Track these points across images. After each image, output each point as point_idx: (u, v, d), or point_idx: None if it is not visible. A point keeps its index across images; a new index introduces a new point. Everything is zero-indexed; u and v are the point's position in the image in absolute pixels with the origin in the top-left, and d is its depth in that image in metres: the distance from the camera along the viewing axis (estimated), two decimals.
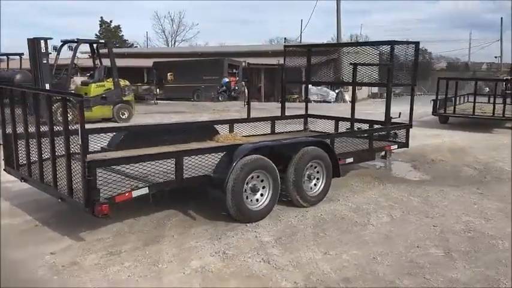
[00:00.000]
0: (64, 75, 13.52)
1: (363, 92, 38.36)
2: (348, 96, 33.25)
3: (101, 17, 66.46)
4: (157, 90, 28.88)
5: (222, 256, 4.18)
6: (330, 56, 8.68)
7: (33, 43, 12.26)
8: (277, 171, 5.28)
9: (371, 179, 7.28)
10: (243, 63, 29.84)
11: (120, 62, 38.02)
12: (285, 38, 54.53)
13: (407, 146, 7.80)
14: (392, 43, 7.11)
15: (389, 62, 7.12)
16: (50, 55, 12.55)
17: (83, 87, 13.78)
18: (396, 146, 7.55)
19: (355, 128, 8.13)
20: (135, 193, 4.31)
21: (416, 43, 7.39)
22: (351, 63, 7.62)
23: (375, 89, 41.55)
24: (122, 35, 69.03)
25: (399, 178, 7.51)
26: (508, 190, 6.72)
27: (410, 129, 7.74)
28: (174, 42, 71.69)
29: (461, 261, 4.19)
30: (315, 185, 5.85)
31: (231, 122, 7.74)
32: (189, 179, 4.78)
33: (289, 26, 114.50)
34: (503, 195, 6.45)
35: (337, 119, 8.65)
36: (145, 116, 16.69)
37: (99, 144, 6.31)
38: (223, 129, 7.63)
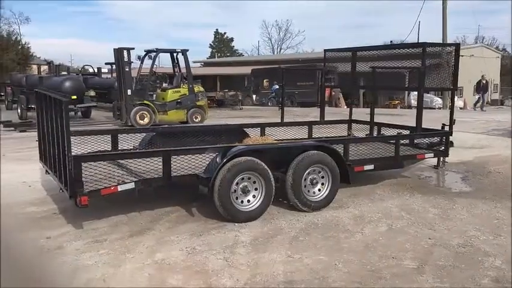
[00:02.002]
0: (146, 82, 14.73)
1: (475, 98, 35.76)
2: (461, 102, 31.36)
3: (216, 29, 70.77)
4: (254, 96, 29.97)
5: (189, 251, 4.40)
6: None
7: (118, 53, 13.58)
8: (270, 174, 5.36)
9: (403, 188, 6.95)
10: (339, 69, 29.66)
11: (226, 70, 40.28)
12: (401, 41, 52.61)
13: (447, 155, 7.30)
14: (424, 45, 6.74)
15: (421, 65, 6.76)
16: (132, 64, 13.76)
17: (162, 93, 14.90)
18: (432, 155, 7.12)
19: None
20: (121, 187, 4.73)
21: (457, 45, 6.92)
22: (371, 67, 7.36)
23: (495, 95, 38.45)
24: (233, 46, 72.64)
25: (435, 189, 7.06)
26: None
27: (451, 136, 7.24)
28: (280, 50, 73.17)
29: (429, 275, 3.93)
30: (319, 190, 5.80)
31: (263, 126, 7.91)
32: (177, 177, 5.09)
33: (408, 27, 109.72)
34: None
35: (380, 125, 8.39)
36: (219, 119, 17.40)
37: (131, 144, 6.92)
38: (255, 133, 7.85)
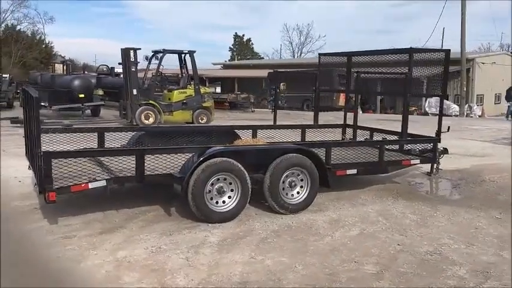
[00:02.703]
0: (152, 82, 14.93)
1: (499, 106, 35.06)
2: (479, 111, 30.84)
3: (235, 32, 71.26)
4: (273, 100, 29.86)
5: (153, 250, 4.44)
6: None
7: (124, 53, 13.80)
8: (247, 175, 5.39)
9: (388, 193, 6.90)
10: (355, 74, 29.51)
11: (245, 73, 40.40)
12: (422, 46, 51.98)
13: (434, 162, 7.22)
14: (410, 51, 6.68)
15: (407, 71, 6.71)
16: (138, 64, 13.96)
17: (168, 93, 15.08)
18: (418, 161, 7.04)
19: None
20: (92, 185, 4.82)
21: (447, 51, 6.84)
22: (357, 72, 7.32)
23: None
24: (252, 48, 72.89)
25: (422, 196, 6.98)
26: None
27: (439, 143, 7.15)
28: (300, 54, 73.04)
29: (386, 282, 3.91)
30: (298, 193, 5.81)
31: (255, 128, 7.94)
32: (151, 176, 5.16)
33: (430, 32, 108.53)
34: None
35: (372, 130, 8.34)
36: (226, 121, 17.49)
37: (119, 143, 7.04)
38: (246, 135, 7.89)
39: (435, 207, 6.27)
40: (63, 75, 18.75)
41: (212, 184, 5.25)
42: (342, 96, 29.55)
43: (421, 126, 11.89)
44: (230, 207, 5.35)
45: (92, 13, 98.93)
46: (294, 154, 5.72)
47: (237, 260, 4.27)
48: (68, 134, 6.54)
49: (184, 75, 15.16)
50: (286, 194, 5.73)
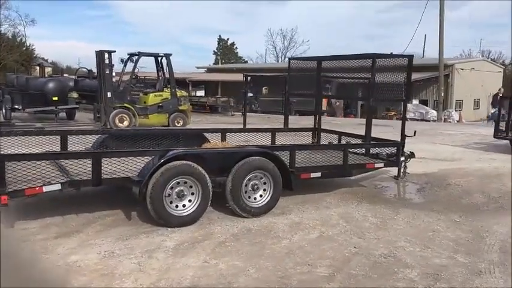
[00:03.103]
0: (127, 85, 14.82)
1: (478, 111, 35.62)
2: (456, 116, 31.27)
3: (219, 35, 71.35)
4: (255, 103, 29.88)
5: (106, 255, 4.38)
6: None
7: (99, 55, 13.67)
8: (207, 178, 5.38)
9: (354, 197, 6.95)
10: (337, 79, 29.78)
11: (228, 77, 40.40)
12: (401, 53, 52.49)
13: (397, 165, 7.30)
14: (373, 56, 6.75)
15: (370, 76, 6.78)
16: (113, 67, 13.83)
17: (143, 96, 14.99)
18: (382, 165, 7.11)
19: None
20: (47, 188, 4.75)
21: (410, 56, 6.94)
22: (327, 76, 7.39)
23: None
24: (237, 52, 72.94)
25: (386, 199, 7.05)
26: (493, 221, 5.97)
27: (402, 147, 7.23)
28: (284, 58, 73.22)
29: (336, 284, 3.94)
30: (261, 196, 5.82)
31: (224, 131, 7.94)
32: (108, 179, 5.12)
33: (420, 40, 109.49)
34: (481, 226, 5.75)
35: (341, 134, 8.40)
36: (204, 125, 17.42)
37: (83, 146, 6.96)
38: (215, 138, 7.88)
39: (397, 210, 6.33)
40: (37, 78, 18.52)
41: (172, 188, 5.23)
42: (325, 101, 29.94)
43: (395, 130, 12.01)
44: (190, 211, 5.33)
45: (78, 16, 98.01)
46: (257, 157, 5.74)
47: (190, 264, 4.25)
48: (30, 137, 6.46)
49: (160, 78, 15.09)
50: (249, 197, 5.73)
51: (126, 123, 13.72)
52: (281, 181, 5.87)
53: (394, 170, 8.20)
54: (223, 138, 7.85)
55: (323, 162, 6.64)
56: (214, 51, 73.89)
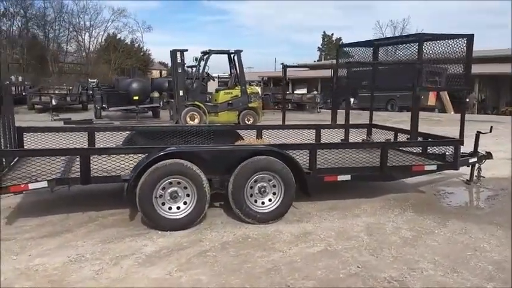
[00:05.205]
0: (198, 83, 14.83)
1: None
2: None
3: (323, 31, 69.99)
4: (352, 100, 28.36)
5: (73, 259, 4.03)
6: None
7: (172, 54, 13.85)
8: (203, 179, 4.84)
9: (400, 204, 5.93)
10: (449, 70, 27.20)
11: (329, 73, 39.38)
12: None
13: (455, 168, 6.06)
14: (420, 38, 5.63)
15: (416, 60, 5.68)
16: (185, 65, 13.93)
17: (214, 94, 14.90)
18: (435, 167, 5.94)
19: None
20: (32, 185, 4.59)
21: (469, 36, 5.70)
22: (369, 62, 6.35)
23: None
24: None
25: (439, 208, 5.90)
26: None
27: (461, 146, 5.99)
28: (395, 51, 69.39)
29: None
30: (270, 200, 5.13)
31: (260, 128, 7.35)
32: (97, 177, 4.84)
33: None
34: None
35: (398, 131, 7.31)
36: (277, 122, 16.80)
37: (114, 143, 6.84)
38: (252, 135, 7.33)
39: (444, 222, 5.23)
40: (125, 79, 19.49)
41: (164, 188, 4.79)
42: (433, 95, 27.48)
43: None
44: (184, 214, 4.85)
45: (195, 21, 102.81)
46: (263, 157, 5.06)
47: (149, 276, 3.76)
48: (57, 134, 6.50)
49: (232, 75, 14.88)
50: (255, 201, 5.09)
51: (196, 120, 13.72)
52: (294, 184, 5.13)
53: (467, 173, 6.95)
54: (259, 135, 7.26)
55: (355, 163, 5.73)
56: (318, 47, 72.78)
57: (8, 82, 5.78)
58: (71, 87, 21.98)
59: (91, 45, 49.21)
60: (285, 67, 11.60)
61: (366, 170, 5.70)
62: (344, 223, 5.17)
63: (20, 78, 23.44)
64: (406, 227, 5.08)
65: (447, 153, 6.25)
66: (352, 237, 4.72)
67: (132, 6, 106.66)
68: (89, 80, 26.52)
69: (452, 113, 26.97)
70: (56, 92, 20.98)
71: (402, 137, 7.18)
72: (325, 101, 23.87)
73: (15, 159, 5.65)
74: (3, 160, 5.22)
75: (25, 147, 6.16)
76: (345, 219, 5.33)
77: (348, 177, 5.54)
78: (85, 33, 47.95)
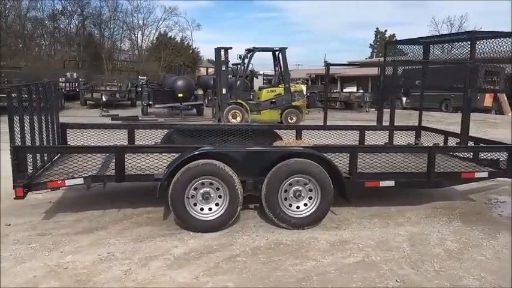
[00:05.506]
0: (242, 81, 14.73)
1: None
2: None
3: (376, 28, 68.39)
4: (404, 99, 27.41)
5: (104, 258, 4.00)
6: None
7: (216, 52, 13.83)
8: (236, 180, 4.70)
9: (446, 213, 5.57)
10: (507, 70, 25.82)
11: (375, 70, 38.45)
12: None
13: (510, 176, 5.59)
14: (472, 36, 5.22)
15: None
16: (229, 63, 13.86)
17: (257, 92, 14.75)
18: (486, 174, 5.50)
19: None
20: (69, 182, 4.62)
21: None
22: (417, 61, 5.95)
23: None
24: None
25: (489, 219, 5.48)
26: None
27: None
28: (451, 48, 66.64)
29: None
30: (306, 205, 4.92)
31: (299, 128, 7.13)
32: (131, 176, 4.80)
33: None
34: None
35: (448, 134, 6.88)
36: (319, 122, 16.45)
37: (153, 140, 6.83)
38: (290, 136, 7.12)
39: (494, 234, 4.84)
40: (171, 76, 19.71)
41: (196, 189, 4.69)
42: (489, 96, 26.10)
43: None
44: (215, 216, 4.73)
45: (244, 19, 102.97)
46: (299, 159, 4.86)
47: (176, 279, 3.66)
48: (98, 130, 6.56)
49: (276, 73, 14.68)
50: (290, 205, 4.89)
51: (238, 119, 13.63)
52: (332, 189, 4.89)
53: None
54: (299, 136, 7.04)
55: (400, 168, 5.41)
56: (370, 44, 70.99)
57: (49, 80, 5.84)
58: (121, 84, 22.49)
59: (143, 43, 50.41)
60: (327, 65, 11.29)
61: (411, 176, 5.35)
62: (385, 232, 4.87)
63: (75, 75, 24.30)
64: (451, 238, 4.73)
65: (501, 159, 5.80)
66: (393, 248, 4.43)
67: (183, 6, 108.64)
68: (139, 77, 27.08)
69: (510, 114, 25.49)
70: (107, 88, 21.49)
71: (453, 141, 6.74)
72: (375, 100, 23.18)
73: (57, 156, 5.76)
74: (45, 156, 5.33)
75: (68, 143, 6.26)
76: (386, 227, 5.03)
77: (391, 183, 5.23)
78: (138, 32, 49.17)
